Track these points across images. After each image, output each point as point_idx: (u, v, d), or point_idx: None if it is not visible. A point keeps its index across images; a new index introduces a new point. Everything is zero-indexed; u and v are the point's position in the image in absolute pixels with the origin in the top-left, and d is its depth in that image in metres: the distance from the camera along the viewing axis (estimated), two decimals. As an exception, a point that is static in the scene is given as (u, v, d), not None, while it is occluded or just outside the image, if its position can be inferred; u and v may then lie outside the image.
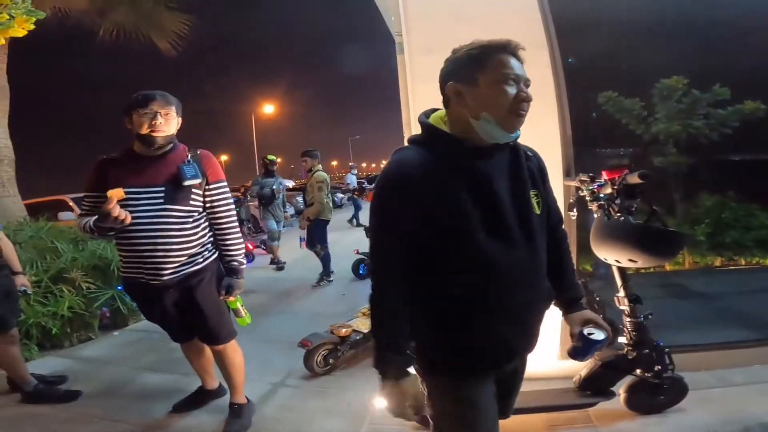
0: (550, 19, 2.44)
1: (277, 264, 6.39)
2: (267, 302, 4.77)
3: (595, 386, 2.13)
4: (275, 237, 6.32)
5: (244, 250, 2.19)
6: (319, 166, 5.42)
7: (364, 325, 3.18)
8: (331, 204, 5.42)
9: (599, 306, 2.76)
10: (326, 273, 5.38)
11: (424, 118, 1.19)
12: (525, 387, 2.32)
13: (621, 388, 2.15)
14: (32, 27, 1.59)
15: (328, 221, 5.41)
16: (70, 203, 7.85)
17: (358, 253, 5.39)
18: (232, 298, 2.16)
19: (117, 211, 1.79)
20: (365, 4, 3.03)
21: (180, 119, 2.01)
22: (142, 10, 4.30)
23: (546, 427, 2.11)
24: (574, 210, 2.17)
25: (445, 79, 1.13)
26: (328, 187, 5.32)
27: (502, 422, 2.06)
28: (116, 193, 1.80)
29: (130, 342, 3.68)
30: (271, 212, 6.24)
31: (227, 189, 2.12)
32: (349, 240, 7.48)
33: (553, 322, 2.51)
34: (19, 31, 1.57)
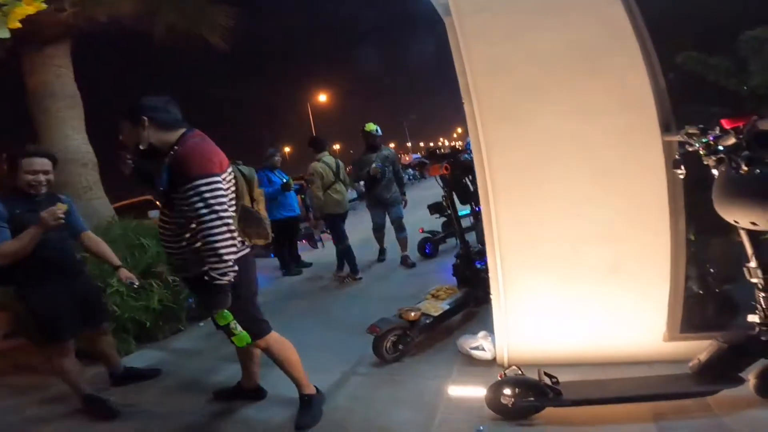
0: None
1: (408, 263, 5.03)
2: (334, 286, 4.77)
3: (719, 372, 1.76)
4: (379, 228, 5.21)
5: (223, 266, 1.80)
6: (321, 155, 4.85)
7: (433, 308, 3.01)
8: (337, 195, 4.79)
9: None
10: (352, 270, 4.87)
11: None
12: (627, 373, 2.04)
13: (751, 374, 1.77)
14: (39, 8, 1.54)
15: (335, 215, 4.83)
16: (157, 202, 8.53)
17: (423, 231, 5.20)
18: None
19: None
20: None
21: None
22: (186, 8, 4.39)
23: (652, 418, 1.82)
24: (681, 167, 1.82)
25: None
26: (323, 177, 4.72)
27: (600, 411, 1.85)
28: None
29: (214, 332, 3.81)
30: (375, 197, 4.94)
31: (200, 190, 1.77)
32: (413, 219, 7.24)
33: (656, 299, 2.15)
34: (28, 9, 1.52)
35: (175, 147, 1.90)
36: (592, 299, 2.27)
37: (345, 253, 4.87)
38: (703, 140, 1.71)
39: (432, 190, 8.23)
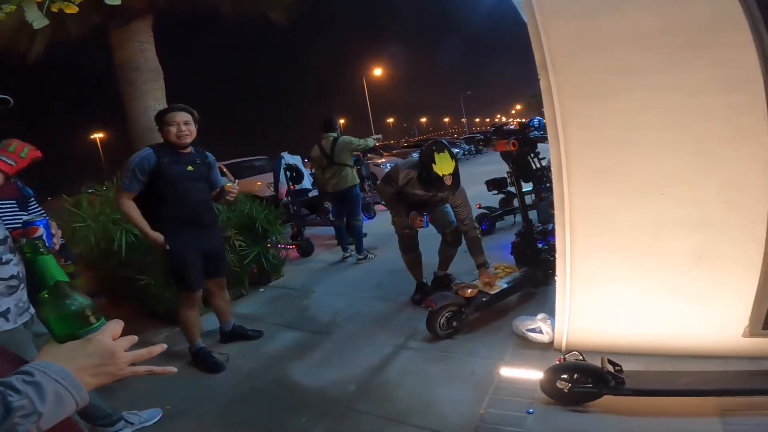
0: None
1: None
2: (389, 258, 4.80)
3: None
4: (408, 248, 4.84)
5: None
6: (325, 135, 4.81)
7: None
8: (326, 175, 4.89)
9: None
10: (342, 248, 5.09)
11: None
12: (696, 366, 1.94)
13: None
14: None
15: (330, 195, 5.05)
16: (224, 169, 8.98)
17: (480, 207, 5.04)
18: None
19: None
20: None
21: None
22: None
23: (718, 413, 1.72)
24: None
25: None
26: (316, 159, 4.88)
27: (661, 403, 1.79)
28: None
29: (273, 298, 4.05)
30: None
31: None
32: (469, 195, 7.02)
33: (741, 291, 1.96)
34: None
35: None
36: (668, 287, 2.12)
37: (337, 230, 5.12)
38: None
39: (486, 166, 7.87)
